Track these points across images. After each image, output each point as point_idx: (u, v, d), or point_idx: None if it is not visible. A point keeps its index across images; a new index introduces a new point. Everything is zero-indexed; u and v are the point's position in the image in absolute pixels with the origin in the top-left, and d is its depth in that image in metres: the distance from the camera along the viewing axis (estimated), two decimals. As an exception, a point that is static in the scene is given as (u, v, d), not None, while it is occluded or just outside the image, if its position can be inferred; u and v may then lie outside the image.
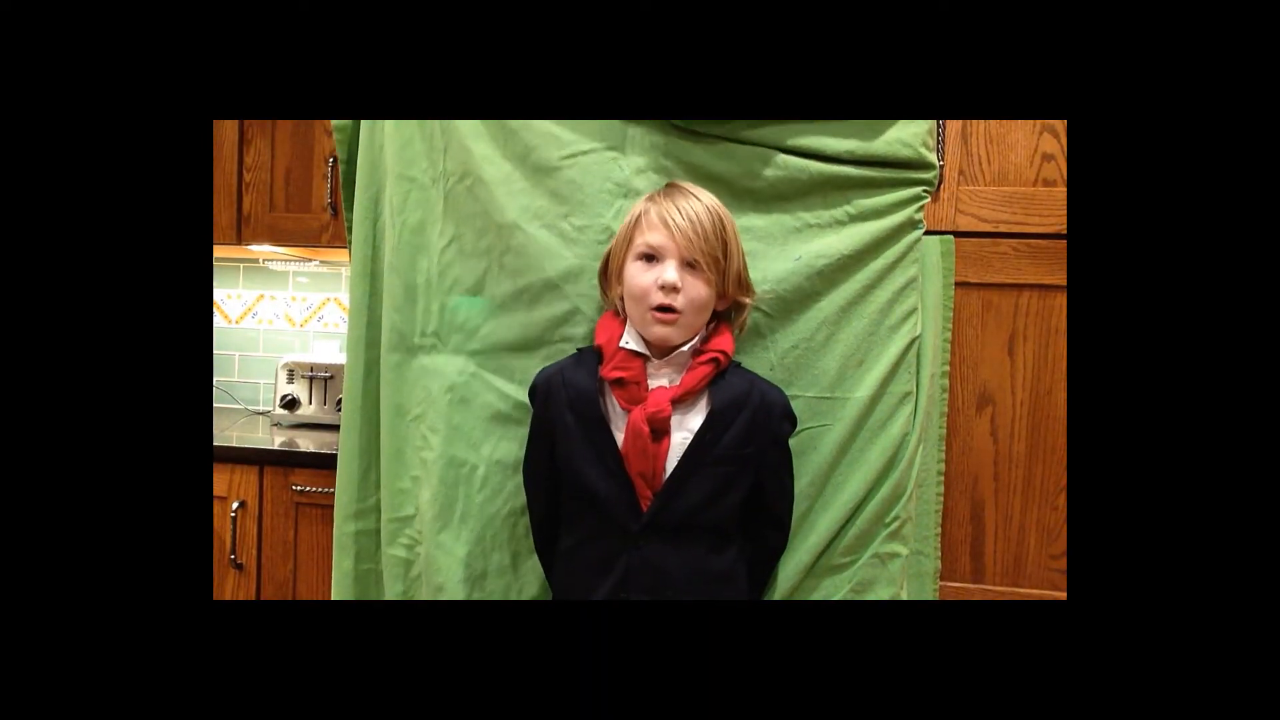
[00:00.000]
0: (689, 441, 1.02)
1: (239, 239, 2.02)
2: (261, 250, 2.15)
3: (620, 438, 1.03)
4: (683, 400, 1.03)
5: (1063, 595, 1.48)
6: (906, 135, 1.15)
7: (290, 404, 2.04)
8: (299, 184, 1.98)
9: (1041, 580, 1.52)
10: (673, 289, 1.00)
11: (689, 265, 1.01)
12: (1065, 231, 1.48)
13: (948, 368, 1.30)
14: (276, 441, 1.82)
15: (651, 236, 1.02)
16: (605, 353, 1.05)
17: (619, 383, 1.03)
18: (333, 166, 1.93)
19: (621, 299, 1.07)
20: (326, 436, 1.91)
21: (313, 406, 2.04)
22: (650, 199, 1.05)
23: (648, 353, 1.04)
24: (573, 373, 1.08)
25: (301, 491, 1.71)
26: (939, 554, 1.32)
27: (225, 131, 2.00)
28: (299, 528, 1.72)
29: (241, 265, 2.39)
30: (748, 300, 1.08)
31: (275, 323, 2.38)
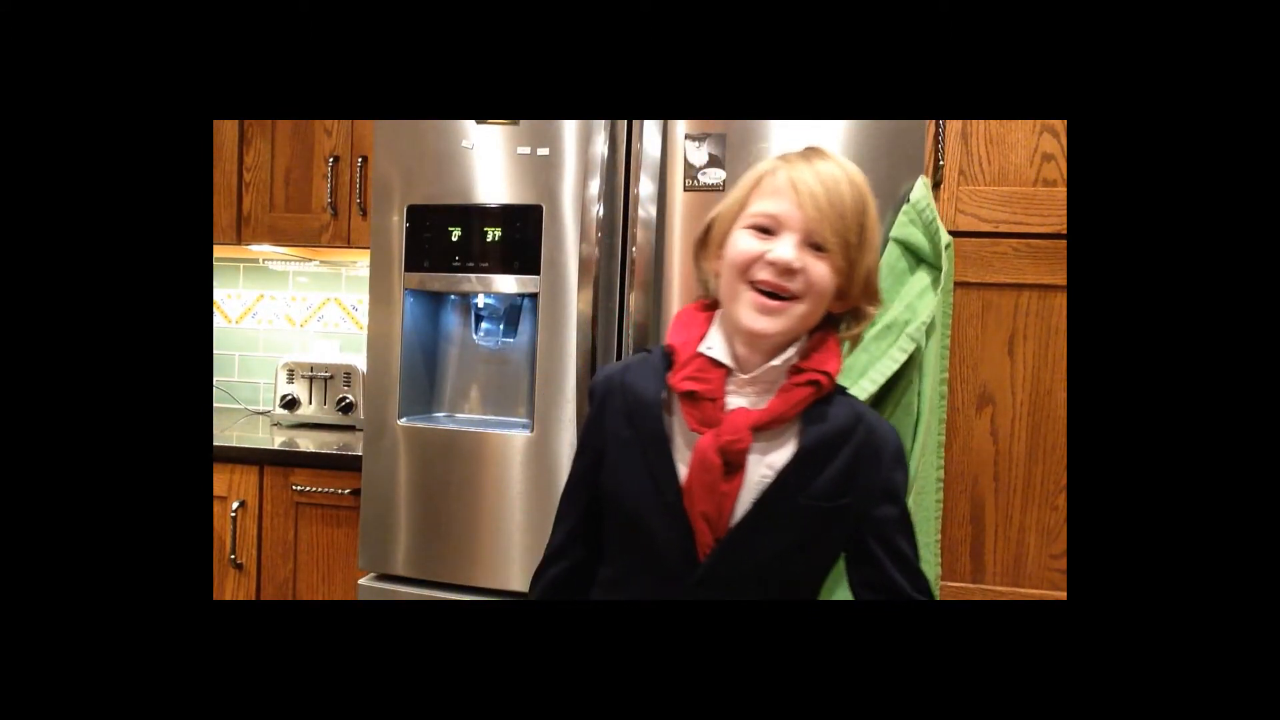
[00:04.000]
0: (768, 481, 0.81)
1: (239, 239, 2.02)
2: (261, 250, 2.15)
3: (683, 465, 0.82)
4: (768, 428, 0.81)
5: (1063, 595, 1.48)
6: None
7: (290, 404, 2.04)
8: (299, 184, 1.98)
9: (1041, 580, 1.52)
10: (787, 270, 0.78)
11: (813, 246, 0.79)
12: (1065, 231, 1.48)
13: (946, 374, 1.30)
14: (276, 441, 1.82)
15: (772, 203, 0.80)
16: (678, 356, 0.84)
17: (690, 396, 0.82)
18: (333, 166, 1.93)
19: (716, 277, 0.86)
20: (326, 436, 1.92)
21: (312, 406, 2.05)
22: (782, 158, 0.84)
23: (732, 363, 0.83)
24: (636, 375, 0.88)
25: (301, 491, 1.71)
26: (939, 559, 1.33)
27: (225, 131, 2.00)
28: (299, 528, 1.72)
29: (241, 265, 2.39)
30: (872, 309, 0.86)
31: (275, 323, 2.39)
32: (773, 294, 0.79)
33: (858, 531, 0.85)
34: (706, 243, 0.88)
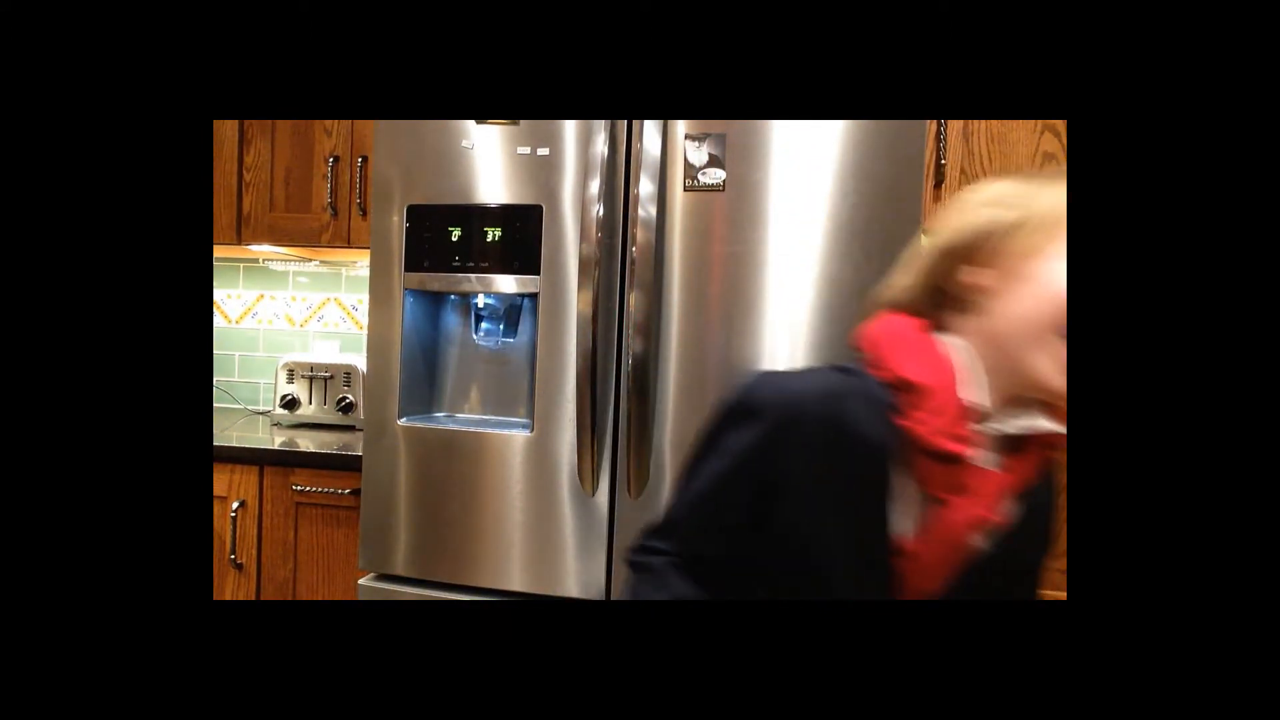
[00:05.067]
0: (977, 549, 0.73)
1: (239, 239, 2.02)
2: (261, 250, 2.16)
3: (901, 526, 0.70)
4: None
5: (1063, 595, 1.48)
6: None
7: (290, 404, 2.04)
8: (299, 184, 1.98)
9: (1041, 580, 1.52)
10: None
11: None
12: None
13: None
14: (276, 441, 1.82)
15: None
16: (930, 399, 0.67)
17: (946, 458, 0.66)
18: (333, 166, 1.93)
19: (979, 294, 0.69)
20: (326, 436, 1.92)
21: (313, 406, 2.05)
22: None
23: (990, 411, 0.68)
24: (848, 407, 0.69)
25: (301, 491, 1.71)
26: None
27: (225, 131, 2.00)
28: (299, 528, 1.72)
29: (241, 265, 2.39)
30: None
31: (275, 323, 2.39)
32: None
33: None
34: (978, 255, 0.69)
